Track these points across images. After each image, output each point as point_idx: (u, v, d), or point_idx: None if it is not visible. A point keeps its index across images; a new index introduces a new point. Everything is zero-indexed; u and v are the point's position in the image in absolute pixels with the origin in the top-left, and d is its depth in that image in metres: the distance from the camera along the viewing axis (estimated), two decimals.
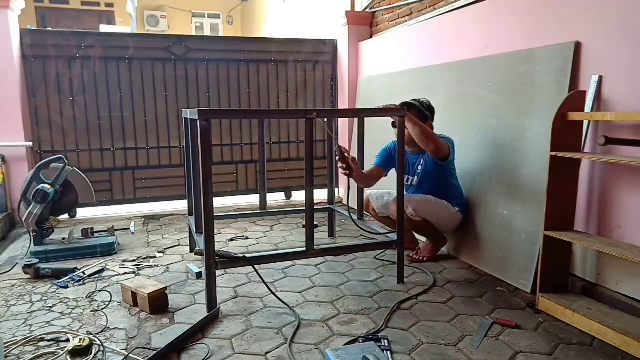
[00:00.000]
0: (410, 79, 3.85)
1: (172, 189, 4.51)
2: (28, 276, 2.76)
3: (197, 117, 2.19)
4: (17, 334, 2.10)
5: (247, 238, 3.62)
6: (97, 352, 1.93)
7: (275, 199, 4.87)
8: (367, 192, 3.23)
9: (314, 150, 2.40)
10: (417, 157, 3.05)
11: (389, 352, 1.91)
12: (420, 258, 3.02)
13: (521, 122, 2.72)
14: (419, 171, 3.04)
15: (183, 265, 2.99)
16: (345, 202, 4.54)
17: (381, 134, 3.55)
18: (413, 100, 3.00)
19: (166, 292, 2.39)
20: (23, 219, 3.10)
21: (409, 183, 3.09)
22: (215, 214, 2.30)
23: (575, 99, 2.22)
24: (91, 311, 2.34)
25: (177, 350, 1.95)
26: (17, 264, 2.98)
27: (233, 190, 4.76)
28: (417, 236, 3.24)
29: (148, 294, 2.28)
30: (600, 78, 2.32)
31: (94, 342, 1.98)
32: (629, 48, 2.19)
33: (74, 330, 2.12)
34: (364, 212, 3.24)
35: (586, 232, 2.39)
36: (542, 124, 2.56)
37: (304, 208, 2.49)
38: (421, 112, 2.94)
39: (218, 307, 2.31)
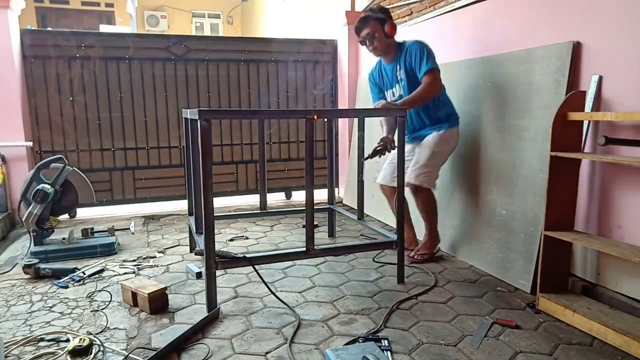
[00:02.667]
0: None
1: (172, 189, 4.51)
2: (28, 276, 2.76)
3: (197, 117, 2.19)
4: (17, 334, 2.10)
5: (247, 238, 3.62)
6: (97, 352, 1.93)
7: (275, 199, 4.87)
8: (379, 181, 3.17)
9: (314, 150, 2.40)
10: (393, 66, 2.98)
11: (389, 352, 1.91)
12: (419, 257, 3.00)
13: (520, 122, 2.72)
14: (400, 78, 2.95)
15: (183, 265, 2.99)
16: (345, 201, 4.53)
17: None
18: (365, 14, 2.94)
19: (166, 292, 2.39)
20: (23, 219, 3.10)
21: (396, 96, 3.00)
22: (215, 214, 2.30)
23: (575, 99, 2.22)
24: (91, 311, 2.34)
25: (177, 350, 1.95)
26: (17, 264, 2.98)
27: (233, 190, 4.77)
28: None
29: (148, 294, 2.28)
30: (600, 78, 2.32)
31: (94, 342, 1.98)
32: (629, 48, 2.19)
33: (74, 330, 2.12)
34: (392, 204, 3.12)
35: (586, 232, 2.39)
36: (541, 123, 2.56)
37: (304, 208, 2.49)
38: (380, 20, 2.87)
39: (218, 307, 2.31)
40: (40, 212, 3.08)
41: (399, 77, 2.96)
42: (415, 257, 3.01)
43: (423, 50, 2.82)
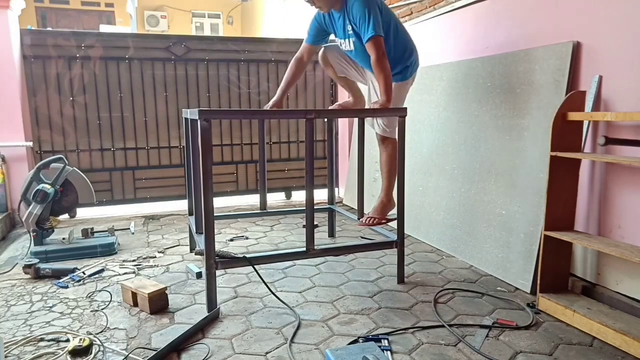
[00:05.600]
0: None
1: (172, 189, 4.51)
2: (28, 276, 2.76)
3: (197, 117, 2.19)
4: (17, 334, 2.10)
5: (247, 238, 3.62)
6: (97, 352, 1.93)
7: (275, 199, 4.87)
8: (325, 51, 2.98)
9: (314, 150, 2.40)
10: (341, 16, 2.68)
11: (389, 352, 1.91)
12: (368, 222, 2.83)
13: (519, 122, 2.72)
14: (349, 33, 2.68)
15: (183, 265, 2.99)
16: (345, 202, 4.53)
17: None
18: None
19: (166, 292, 2.39)
20: (23, 219, 3.10)
21: (347, 49, 2.77)
22: (215, 214, 2.30)
23: (575, 99, 2.22)
24: (91, 311, 2.34)
25: (177, 350, 1.95)
26: (17, 264, 2.98)
27: (233, 190, 4.77)
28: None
29: (148, 294, 2.28)
30: (600, 78, 2.32)
31: (94, 342, 1.98)
32: (629, 48, 2.19)
33: (74, 330, 2.12)
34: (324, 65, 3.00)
35: (586, 232, 2.39)
36: (540, 123, 2.56)
37: (304, 208, 2.49)
38: None
39: (218, 307, 2.31)
40: (40, 212, 3.08)
41: (348, 32, 2.69)
42: (364, 221, 2.83)
43: (366, 10, 2.51)
